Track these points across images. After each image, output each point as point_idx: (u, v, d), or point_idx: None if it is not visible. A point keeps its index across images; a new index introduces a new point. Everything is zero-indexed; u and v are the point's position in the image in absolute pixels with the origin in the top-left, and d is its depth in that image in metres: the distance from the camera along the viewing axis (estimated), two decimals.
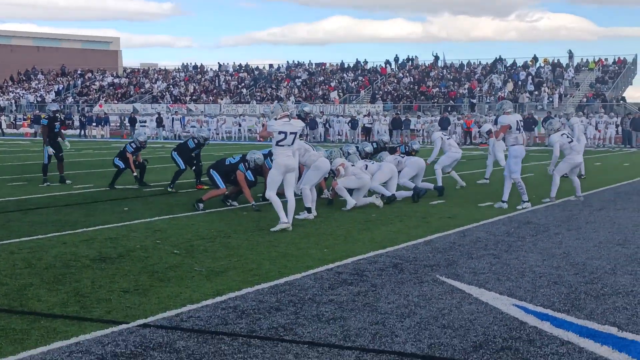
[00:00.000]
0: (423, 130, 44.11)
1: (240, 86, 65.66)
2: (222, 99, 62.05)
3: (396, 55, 67.69)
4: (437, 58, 64.09)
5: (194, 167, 16.03)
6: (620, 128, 41.59)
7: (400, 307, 6.14)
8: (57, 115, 17.21)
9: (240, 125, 47.79)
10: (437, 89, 56.72)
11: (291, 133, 10.44)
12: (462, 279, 7.23)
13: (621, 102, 50.11)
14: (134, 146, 16.36)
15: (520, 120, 12.97)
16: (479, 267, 7.78)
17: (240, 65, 71.65)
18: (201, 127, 48.31)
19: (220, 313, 5.95)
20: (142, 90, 68.52)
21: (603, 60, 57.82)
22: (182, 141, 15.95)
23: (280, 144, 10.42)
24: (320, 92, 60.42)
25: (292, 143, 10.55)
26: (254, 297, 6.49)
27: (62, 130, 17.75)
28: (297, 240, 9.44)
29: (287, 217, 10.33)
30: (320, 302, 6.32)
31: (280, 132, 10.37)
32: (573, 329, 5.51)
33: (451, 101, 53.74)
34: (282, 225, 10.16)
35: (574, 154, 13.60)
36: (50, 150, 16.83)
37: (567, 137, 13.70)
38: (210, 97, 63.58)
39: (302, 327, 5.57)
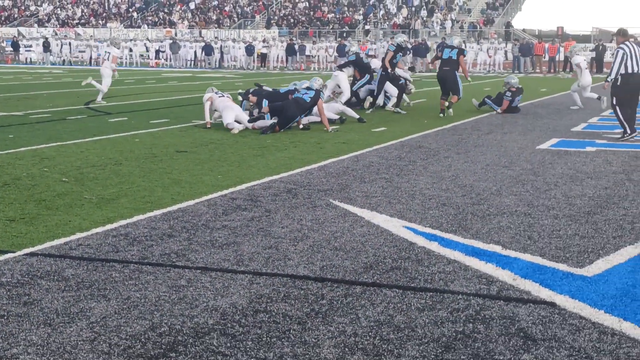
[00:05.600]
0: (319, 56, 44.08)
1: (131, 10, 63.57)
2: (112, 23, 59.99)
3: None
4: None
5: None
6: (509, 54, 42.68)
7: (293, 232, 6.19)
8: None
9: (131, 50, 46.44)
10: (333, 14, 56.48)
11: None
12: (355, 202, 7.33)
13: (511, 27, 51.26)
14: None
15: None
16: (371, 191, 7.90)
17: None
18: (91, 52, 46.75)
19: (111, 241, 5.86)
20: (27, 13, 65.41)
21: None
22: None
23: None
24: (214, 17, 59.20)
25: None
26: (146, 224, 6.41)
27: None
28: (190, 167, 9.34)
29: None
30: (213, 228, 6.30)
31: None
32: (459, 248, 5.69)
33: (347, 27, 53.66)
34: None
35: None
36: None
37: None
38: (100, 21, 61.37)
39: (195, 253, 5.54)
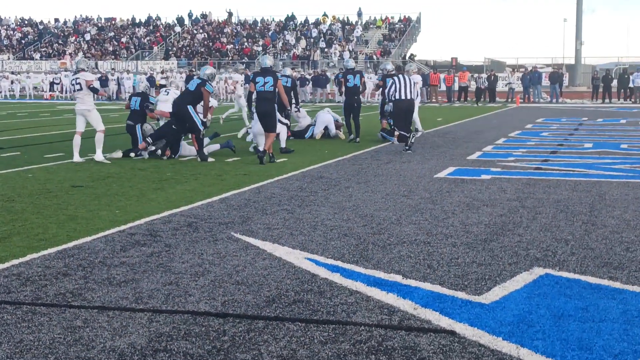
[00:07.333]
0: (219, 87, 43.94)
1: (23, 41, 61.97)
2: (3, 55, 58.29)
3: (190, 10, 66.68)
4: (230, 14, 63.78)
5: None
6: None
7: (194, 266, 6.09)
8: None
9: (20, 83, 45.26)
10: (232, 45, 56.53)
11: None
12: (257, 235, 7.29)
13: (412, 59, 52.47)
14: None
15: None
16: (273, 223, 7.87)
17: (22, 19, 67.55)
18: None
19: (2, 281, 5.62)
20: None
21: (390, 18, 60.15)
22: None
23: None
24: (110, 48, 58.33)
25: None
26: (39, 263, 6.19)
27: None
28: (87, 202, 9.10)
29: None
30: (111, 265, 6.14)
31: None
32: (361, 279, 5.71)
33: (246, 58, 53.77)
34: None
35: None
36: None
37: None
38: None
39: (91, 292, 5.37)
